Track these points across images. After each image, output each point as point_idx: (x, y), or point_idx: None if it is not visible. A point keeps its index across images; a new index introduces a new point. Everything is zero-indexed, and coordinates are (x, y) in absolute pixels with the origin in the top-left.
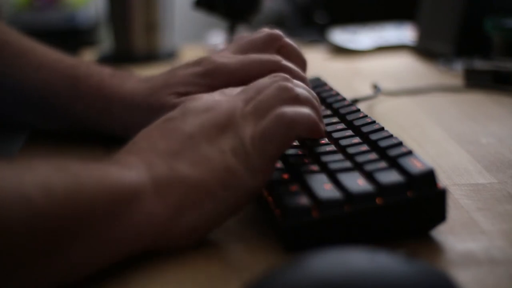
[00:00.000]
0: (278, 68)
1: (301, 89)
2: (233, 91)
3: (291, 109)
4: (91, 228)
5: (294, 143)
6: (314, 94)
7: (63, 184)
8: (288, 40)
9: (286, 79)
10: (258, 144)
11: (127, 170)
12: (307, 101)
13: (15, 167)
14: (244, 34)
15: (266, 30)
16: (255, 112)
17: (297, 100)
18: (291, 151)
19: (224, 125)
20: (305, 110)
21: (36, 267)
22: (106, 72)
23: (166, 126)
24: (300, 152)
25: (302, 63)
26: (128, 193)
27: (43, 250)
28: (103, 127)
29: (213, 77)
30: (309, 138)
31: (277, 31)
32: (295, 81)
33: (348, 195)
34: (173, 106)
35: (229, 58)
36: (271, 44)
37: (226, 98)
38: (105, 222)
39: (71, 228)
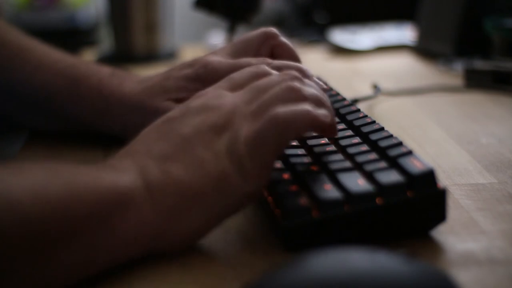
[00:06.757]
0: (268, 74)
1: (311, 89)
2: (241, 80)
3: (285, 109)
4: (84, 233)
5: (294, 143)
6: (326, 97)
7: (54, 189)
8: (283, 39)
9: (296, 78)
10: (250, 147)
11: (120, 174)
12: (316, 101)
13: (6, 171)
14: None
15: (262, 29)
16: (256, 112)
17: (305, 101)
18: (291, 151)
19: (222, 126)
20: (303, 107)
21: (28, 271)
22: (106, 72)
23: (164, 127)
24: (300, 152)
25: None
26: (121, 198)
27: (34, 254)
28: (102, 127)
29: (204, 81)
30: (318, 135)
31: (273, 29)
32: (307, 80)
33: (348, 195)
34: (169, 111)
35: (220, 62)
36: (265, 43)
37: (230, 96)
38: (98, 227)
39: (63, 233)
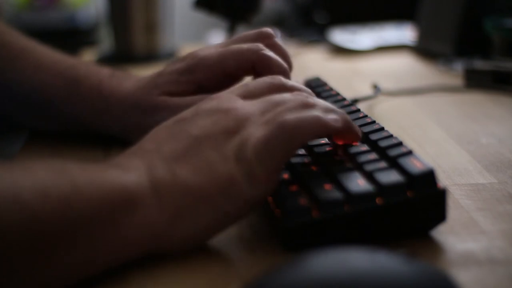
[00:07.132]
0: (257, 57)
1: (323, 101)
2: (255, 90)
3: (294, 115)
4: (89, 233)
5: None
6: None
7: (59, 188)
8: (277, 40)
9: (310, 96)
10: (259, 152)
11: (126, 173)
12: (326, 109)
13: (11, 170)
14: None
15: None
16: (267, 121)
17: (315, 108)
18: None
19: (233, 130)
20: (312, 113)
21: (31, 270)
22: (105, 73)
23: (175, 127)
24: (300, 152)
25: (287, 65)
26: (126, 198)
27: (38, 253)
28: (102, 128)
29: (195, 72)
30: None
31: (269, 30)
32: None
33: (348, 195)
34: (166, 106)
35: (211, 51)
36: (259, 41)
37: (244, 103)
38: (103, 227)
39: (68, 232)
